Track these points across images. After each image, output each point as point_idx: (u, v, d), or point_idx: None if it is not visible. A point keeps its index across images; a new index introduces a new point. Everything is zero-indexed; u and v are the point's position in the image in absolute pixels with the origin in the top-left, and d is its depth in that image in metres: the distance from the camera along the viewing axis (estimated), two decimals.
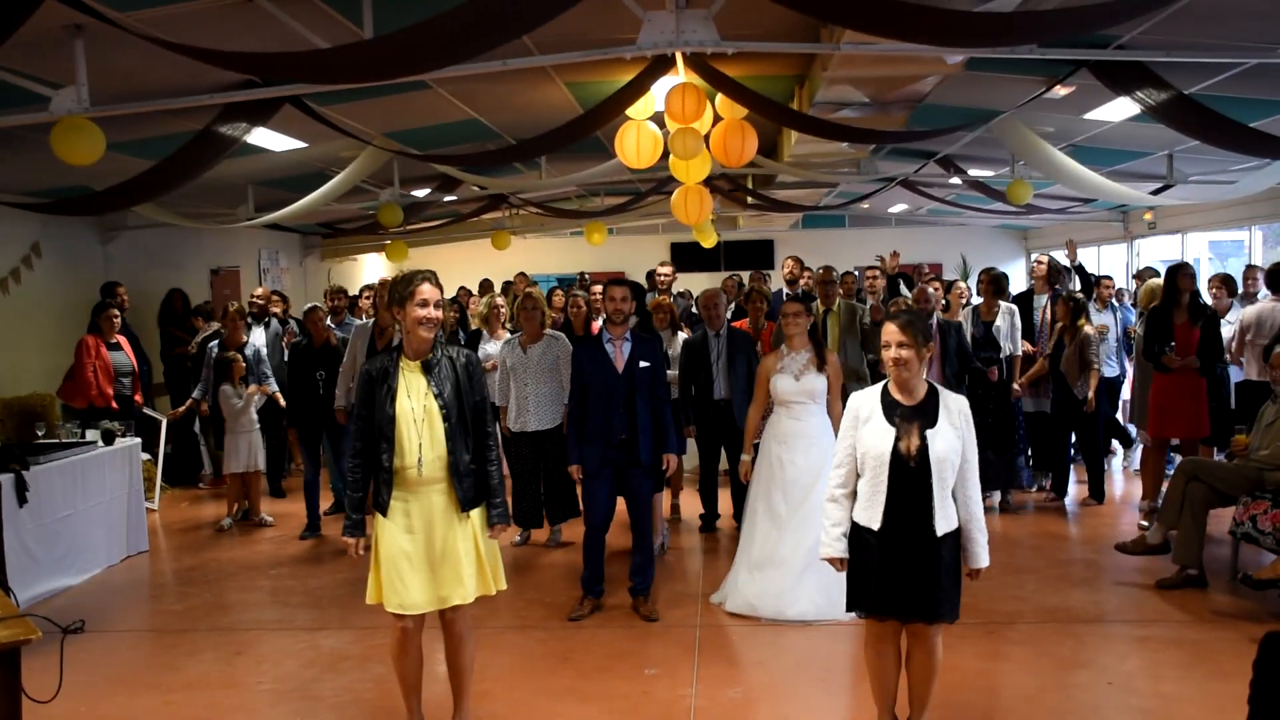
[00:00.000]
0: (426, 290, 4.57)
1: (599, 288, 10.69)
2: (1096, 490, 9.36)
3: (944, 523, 4.28)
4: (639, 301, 8.22)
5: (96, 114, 6.29)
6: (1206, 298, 9.22)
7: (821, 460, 6.21)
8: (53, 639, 4.01)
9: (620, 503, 6.67)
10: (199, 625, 6.73)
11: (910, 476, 4.26)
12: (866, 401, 4.47)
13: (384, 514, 4.55)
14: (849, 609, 4.55)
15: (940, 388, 4.47)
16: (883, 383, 4.51)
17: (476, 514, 4.65)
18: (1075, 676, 5.52)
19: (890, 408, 4.38)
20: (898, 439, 4.28)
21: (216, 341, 9.89)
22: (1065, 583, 7.12)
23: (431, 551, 4.54)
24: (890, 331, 4.38)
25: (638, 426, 6.41)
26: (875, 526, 4.32)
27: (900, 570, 4.30)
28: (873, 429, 4.36)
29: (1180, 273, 8.46)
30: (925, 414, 4.34)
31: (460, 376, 4.63)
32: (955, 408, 4.39)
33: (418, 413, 4.52)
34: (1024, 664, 5.71)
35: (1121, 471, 10.86)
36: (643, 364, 6.48)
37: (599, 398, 6.44)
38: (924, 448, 4.25)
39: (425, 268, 4.78)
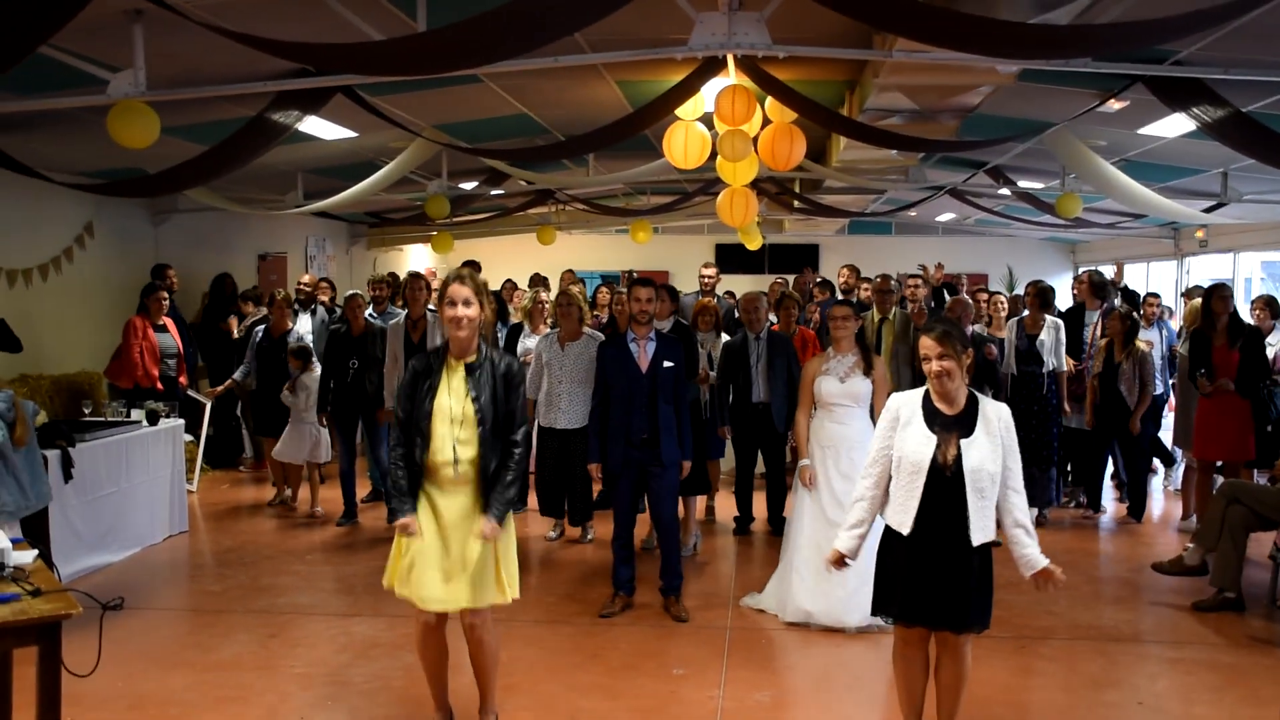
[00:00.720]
0: (454, 290, 4.56)
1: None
2: (1136, 509, 9.26)
3: (980, 533, 4.25)
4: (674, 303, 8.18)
5: (153, 98, 6.37)
6: (1249, 319, 9.08)
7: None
8: (92, 615, 4.08)
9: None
10: (235, 607, 6.82)
11: (946, 485, 4.24)
12: (907, 404, 4.44)
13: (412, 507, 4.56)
14: (874, 613, 4.55)
15: (981, 396, 4.44)
16: (925, 387, 4.46)
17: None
18: (1106, 695, 5.48)
19: (932, 415, 4.35)
20: (937, 447, 4.27)
21: (263, 327, 10.00)
22: (1099, 600, 7.07)
23: (451, 552, 4.52)
24: (928, 345, 4.34)
25: (659, 426, 6.42)
26: (905, 531, 4.31)
27: (929, 577, 4.28)
28: (913, 434, 4.34)
29: (1214, 295, 8.37)
30: (963, 423, 4.31)
31: (498, 385, 4.61)
32: (995, 416, 4.35)
33: (455, 413, 4.53)
34: (1055, 680, 5.68)
35: (1162, 490, 10.73)
36: (666, 364, 6.47)
37: (621, 396, 6.46)
38: (960, 458, 4.23)
39: (463, 263, 4.81)
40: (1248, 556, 6.83)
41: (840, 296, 11.24)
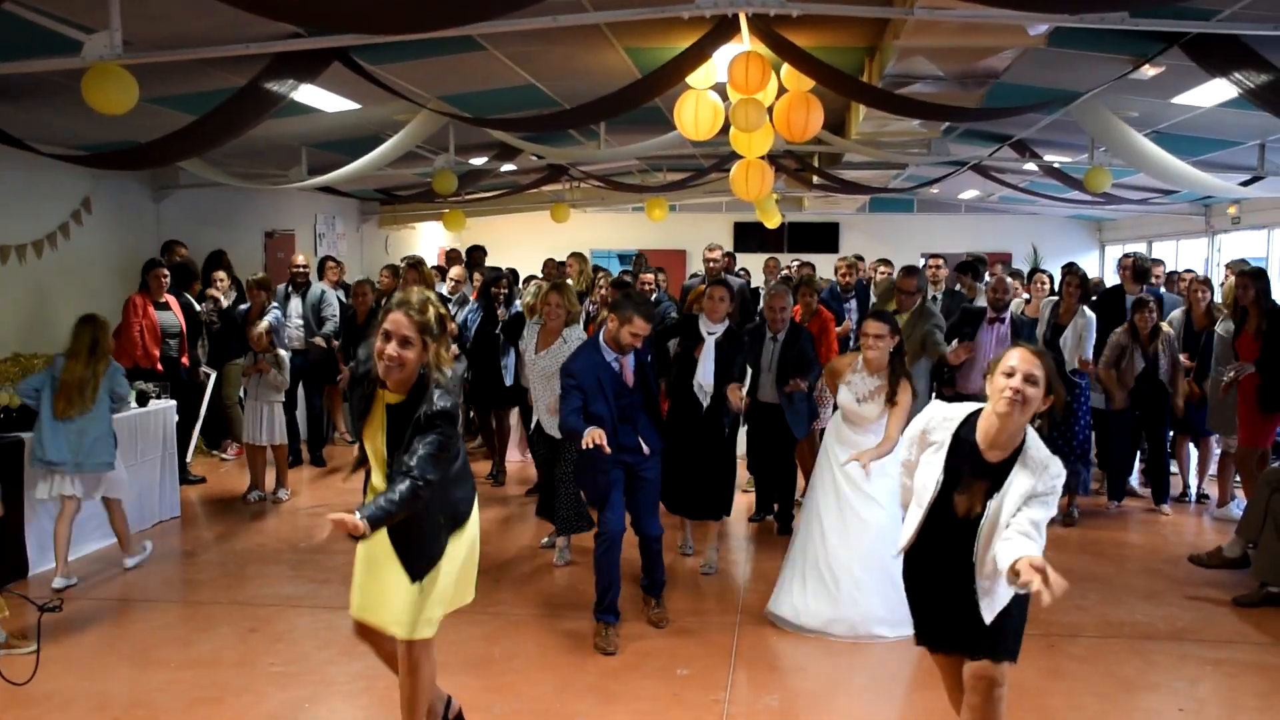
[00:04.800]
0: (394, 321, 3.72)
1: (649, 275, 10.27)
2: (1157, 493, 8.86)
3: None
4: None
5: (130, 60, 6.03)
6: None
7: (881, 473, 5.76)
8: (74, 609, 3.77)
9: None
10: (218, 598, 6.51)
11: (957, 528, 3.65)
12: (942, 424, 3.73)
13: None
14: (918, 643, 4.01)
15: (1033, 440, 3.64)
16: (967, 412, 3.72)
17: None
18: (1142, 700, 5.11)
19: (965, 453, 3.64)
20: (955, 489, 3.63)
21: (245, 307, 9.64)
22: (1131, 594, 6.66)
23: (380, 570, 3.95)
24: (1024, 358, 3.56)
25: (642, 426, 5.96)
26: (896, 551, 3.86)
27: (939, 603, 3.79)
28: (931, 467, 3.71)
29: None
30: (997, 476, 3.60)
31: (411, 434, 3.75)
32: (1043, 464, 3.57)
33: (375, 447, 3.92)
34: (1085, 683, 5.29)
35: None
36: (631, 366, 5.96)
37: (608, 417, 5.77)
38: (989, 509, 3.58)
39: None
40: None
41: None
